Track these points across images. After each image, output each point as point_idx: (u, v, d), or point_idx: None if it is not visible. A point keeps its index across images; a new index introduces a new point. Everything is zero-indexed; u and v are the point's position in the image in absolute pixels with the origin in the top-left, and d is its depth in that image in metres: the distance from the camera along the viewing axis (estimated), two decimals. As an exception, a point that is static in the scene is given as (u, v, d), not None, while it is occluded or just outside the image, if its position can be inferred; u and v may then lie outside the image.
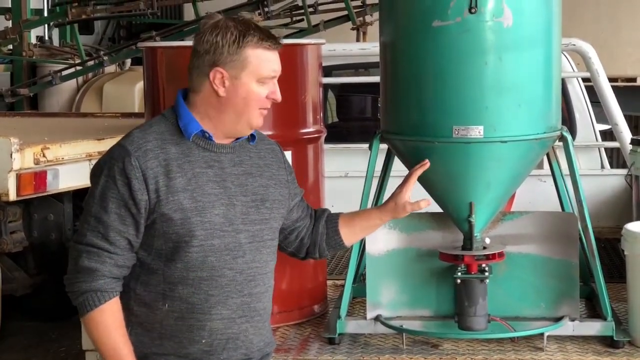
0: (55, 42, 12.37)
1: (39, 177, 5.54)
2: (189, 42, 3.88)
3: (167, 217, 2.69)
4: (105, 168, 2.68)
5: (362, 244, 3.73)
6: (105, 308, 2.67)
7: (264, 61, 2.76)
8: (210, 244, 2.71)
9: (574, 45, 5.47)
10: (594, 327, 3.58)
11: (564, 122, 5.66)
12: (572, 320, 3.57)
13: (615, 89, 11.85)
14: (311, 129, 4.03)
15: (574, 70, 5.75)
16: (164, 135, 2.74)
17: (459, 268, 3.46)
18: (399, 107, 3.53)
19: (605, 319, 3.58)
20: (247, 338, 2.80)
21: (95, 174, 2.71)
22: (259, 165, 2.87)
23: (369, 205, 3.68)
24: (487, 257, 3.43)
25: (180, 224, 2.69)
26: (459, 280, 3.45)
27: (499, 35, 3.34)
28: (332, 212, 3.10)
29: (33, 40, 11.62)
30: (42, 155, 5.54)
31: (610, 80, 12.11)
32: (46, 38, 12.04)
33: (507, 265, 3.59)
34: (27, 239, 6.31)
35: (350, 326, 3.67)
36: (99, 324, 2.67)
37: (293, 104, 3.89)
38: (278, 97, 2.80)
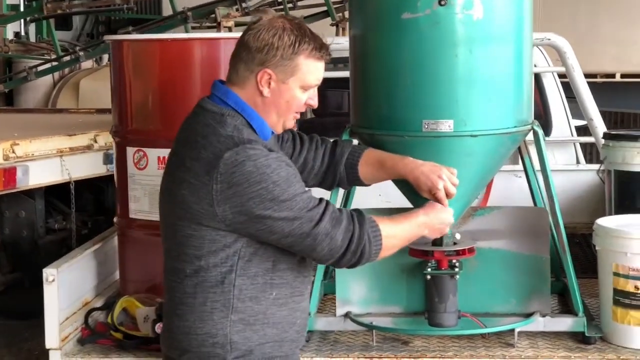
0: (32, 38, 12.28)
1: (9, 174, 5.45)
2: (155, 35, 3.87)
3: None
4: (256, 171, 2.65)
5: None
6: (380, 226, 2.82)
7: (313, 71, 2.80)
8: None
9: (549, 39, 5.42)
10: (565, 323, 3.54)
11: (539, 117, 5.69)
12: (543, 316, 3.54)
13: (594, 85, 11.86)
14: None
15: (549, 65, 5.70)
16: (252, 136, 2.75)
17: (429, 264, 3.42)
18: (368, 100, 3.48)
19: (576, 314, 3.54)
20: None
21: (253, 185, 2.65)
22: (275, 148, 2.89)
23: (338, 202, 3.63)
24: (457, 253, 3.38)
25: None
26: (429, 277, 3.40)
27: (469, 28, 3.30)
28: (355, 145, 3.29)
29: (10, 36, 11.53)
30: (11, 151, 5.45)
31: (589, 76, 12.11)
32: (22, 34, 11.94)
33: (478, 261, 3.55)
34: (-2, 237, 6.26)
35: (319, 323, 3.62)
36: (393, 237, 2.86)
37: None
38: (315, 103, 2.87)
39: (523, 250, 3.55)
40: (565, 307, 3.82)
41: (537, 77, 5.64)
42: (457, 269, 3.38)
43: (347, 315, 3.60)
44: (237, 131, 2.71)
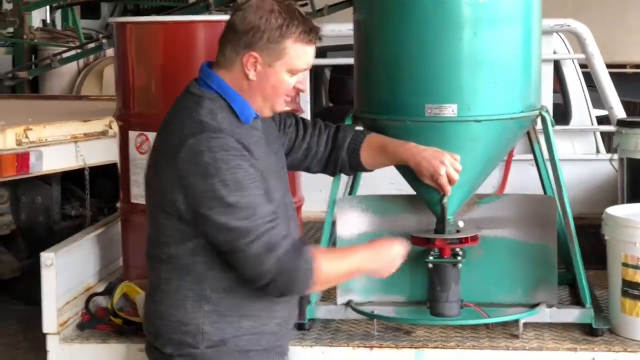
0: (59, 26, 12.29)
1: (22, 159, 5.44)
2: (158, 17, 3.81)
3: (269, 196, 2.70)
4: (218, 163, 2.57)
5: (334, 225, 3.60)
6: (317, 260, 2.64)
7: (301, 55, 2.73)
8: (283, 218, 2.72)
9: (569, 26, 5.32)
10: (572, 314, 3.45)
11: (558, 107, 5.59)
12: (550, 306, 3.44)
13: (623, 76, 11.66)
14: (285, 108, 3.89)
15: (569, 52, 5.58)
16: (230, 120, 2.69)
17: (432, 252, 3.34)
18: (371, 85, 3.41)
19: (584, 306, 3.45)
20: (296, 303, 2.89)
21: (201, 176, 2.57)
22: (264, 130, 2.85)
23: (341, 191, 3.56)
24: (460, 241, 3.30)
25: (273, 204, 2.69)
26: (430, 265, 3.32)
27: (474, 10, 3.21)
28: (358, 130, 3.23)
29: (36, 24, 11.54)
30: (24, 136, 5.44)
31: (618, 66, 11.94)
32: (48, 22, 11.96)
33: (482, 249, 3.46)
34: (15, 222, 6.24)
35: (321, 311, 3.55)
36: (330, 272, 2.70)
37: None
38: (304, 87, 2.79)
39: (529, 239, 3.45)
40: (576, 299, 3.71)
41: (557, 65, 5.53)
42: (459, 258, 3.30)
43: (348, 303, 3.53)
44: (210, 115, 2.65)
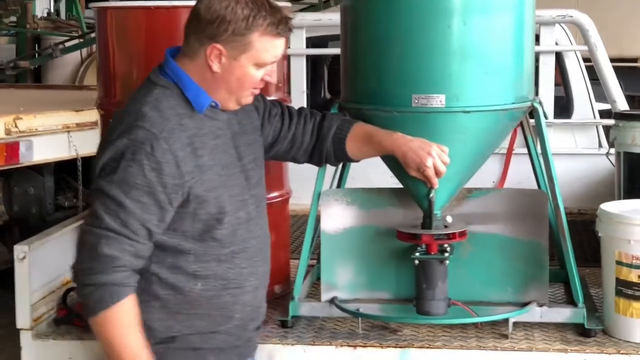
0: (63, 16, 12.19)
1: (11, 148, 5.33)
2: (140, 2, 3.68)
3: (201, 198, 2.55)
4: (127, 152, 2.46)
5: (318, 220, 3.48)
6: (125, 304, 2.47)
7: (269, 48, 2.60)
8: (236, 217, 2.63)
9: (571, 16, 5.18)
10: (563, 314, 3.32)
11: (560, 99, 5.45)
12: (540, 305, 3.31)
13: (635, 70, 11.46)
14: (272, 98, 3.76)
15: (571, 44, 5.44)
16: (176, 109, 2.56)
17: (418, 248, 3.22)
18: (356, 74, 3.28)
19: (576, 305, 3.32)
20: (262, 305, 2.80)
21: (111, 158, 2.47)
22: (239, 122, 2.76)
23: (326, 183, 3.44)
24: (448, 237, 3.17)
25: (214, 203, 2.57)
26: (417, 262, 3.20)
27: (464, -4, 3.09)
28: (345, 119, 3.12)
29: (40, 14, 11.45)
30: (13, 125, 5.33)
31: (630, 60, 11.74)
32: (52, 11, 11.86)
33: (472, 245, 3.34)
34: (8, 213, 6.16)
35: (304, 309, 3.43)
36: (116, 322, 2.47)
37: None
38: (273, 79, 2.67)
39: (520, 235, 3.32)
40: (570, 297, 3.59)
41: (559, 57, 5.39)
42: (447, 254, 3.17)
43: (332, 300, 3.40)
44: (152, 104, 2.53)
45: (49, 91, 8.06)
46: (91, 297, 2.48)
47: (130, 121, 2.53)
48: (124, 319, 2.48)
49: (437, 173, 2.99)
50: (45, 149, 5.59)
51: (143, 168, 2.47)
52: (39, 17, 11.02)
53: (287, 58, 3.94)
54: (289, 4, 4.12)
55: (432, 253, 3.18)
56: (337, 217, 3.39)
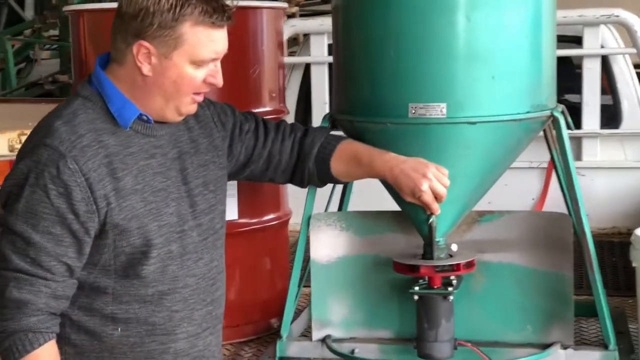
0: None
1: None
2: (113, 4, 3.32)
3: (120, 227, 2.15)
4: (30, 176, 2.09)
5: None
6: (39, 354, 2.10)
7: (204, 42, 2.19)
8: (167, 250, 2.24)
9: (617, 16, 4.70)
10: (592, 358, 2.84)
11: (607, 108, 4.95)
12: (565, 347, 2.84)
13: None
14: (265, 109, 3.38)
15: (619, 46, 4.94)
16: (95, 124, 2.17)
17: (420, 281, 2.78)
18: (348, 80, 2.87)
19: (607, 347, 2.84)
20: (210, 352, 2.37)
21: (15, 184, 2.11)
22: (191, 139, 2.36)
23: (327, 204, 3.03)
24: (451, 268, 2.73)
25: (137, 233, 2.17)
26: (416, 297, 2.76)
27: (468, -11, 2.65)
28: (330, 135, 2.71)
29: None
30: (18, 142, 5.01)
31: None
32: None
33: (484, 277, 2.90)
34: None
35: (293, 349, 3.01)
36: None
37: (237, 80, 3.26)
38: (218, 81, 2.24)
39: (541, 265, 2.86)
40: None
41: (606, 61, 4.90)
42: (451, 289, 2.73)
43: (325, 340, 2.98)
44: (66, 118, 2.16)
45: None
46: (1, 346, 2.11)
47: (38, 138, 2.15)
48: None
49: (437, 197, 2.55)
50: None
51: (49, 194, 2.09)
52: (82, 30, 10.79)
53: (282, 67, 3.54)
54: (285, 5, 3.75)
55: (435, 287, 2.74)
56: (330, 245, 2.97)
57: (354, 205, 3.23)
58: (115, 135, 2.20)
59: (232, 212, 3.26)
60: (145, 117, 2.24)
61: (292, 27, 5.13)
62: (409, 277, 2.82)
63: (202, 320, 2.34)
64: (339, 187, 3.14)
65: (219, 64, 2.22)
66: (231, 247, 3.27)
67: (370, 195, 3.30)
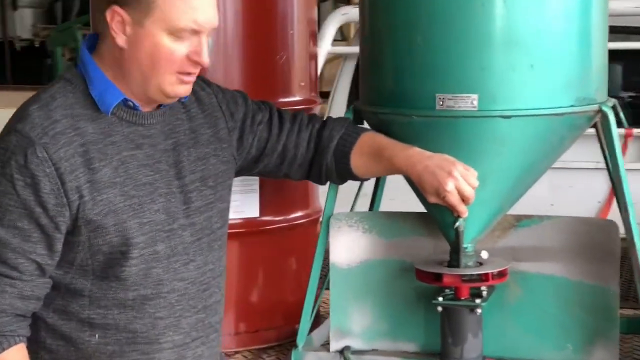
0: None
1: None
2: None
3: (95, 224, 1.96)
4: (6, 155, 1.93)
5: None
6: (4, 358, 1.94)
7: (181, 7, 1.96)
8: (152, 251, 2.05)
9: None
10: (639, 382, 2.55)
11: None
12: (609, 370, 2.55)
13: None
14: (295, 98, 3.14)
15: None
16: (73, 109, 1.98)
17: (446, 291, 2.51)
18: (372, 69, 2.61)
19: (656, 371, 2.54)
20: None
21: None
22: (192, 130, 2.15)
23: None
24: (480, 278, 2.45)
25: (114, 230, 1.97)
26: (440, 308, 2.49)
27: (505, -33, 2.37)
28: (351, 127, 2.47)
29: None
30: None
31: None
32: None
33: (521, 289, 2.61)
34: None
35: (308, 359, 2.77)
36: None
37: (262, 66, 3.03)
38: (203, 60, 2.00)
39: (584, 277, 2.56)
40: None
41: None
42: (479, 301, 2.45)
43: (344, 351, 2.73)
44: (43, 102, 1.97)
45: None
46: None
47: (10, 124, 1.98)
48: None
49: (464, 199, 2.29)
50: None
51: (15, 184, 1.90)
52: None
53: (315, 57, 3.29)
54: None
55: (461, 298, 2.47)
56: (352, 248, 2.71)
57: (386, 205, 2.99)
58: (96, 123, 2.00)
59: (252, 209, 3.03)
60: (131, 103, 2.03)
61: (343, 15, 4.88)
62: (435, 286, 2.55)
63: (190, 328, 2.13)
64: (369, 185, 2.90)
65: (204, 40, 1.99)
66: (252, 246, 3.11)
67: (406, 195, 3.03)
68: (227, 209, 2.26)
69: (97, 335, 2.04)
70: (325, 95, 4.34)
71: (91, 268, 2.01)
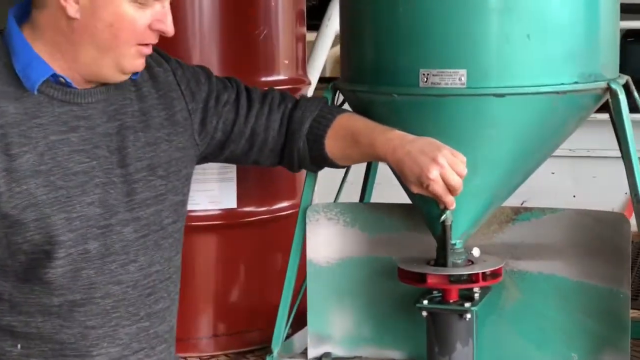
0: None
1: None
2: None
3: (11, 219, 1.73)
4: None
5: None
6: None
7: None
8: (82, 250, 1.82)
9: None
10: (652, 398, 2.25)
11: None
12: (619, 383, 2.25)
13: None
14: (279, 77, 2.87)
15: None
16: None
17: (434, 293, 2.23)
18: (352, 43, 2.33)
19: (673, 385, 2.24)
20: None
21: None
22: (142, 111, 1.91)
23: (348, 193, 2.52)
24: (469, 279, 2.17)
25: (35, 227, 1.74)
26: (424, 313, 2.21)
27: None
28: (326, 107, 2.22)
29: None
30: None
31: None
32: None
33: (520, 291, 2.32)
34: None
35: (284, 367, 2.50)
36: None
37: (242, 41, 2.76)
38: (167, 28, 1.80)
39: (591, 278, 2.27)
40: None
41: None
42: (469, 305, 2.16)
43: (322, 358, 2.46)
44: None
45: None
46: None
47: None
48: None
49: (450, 189, 2.00)
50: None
51: None
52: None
53: (302, 37, 3.02)
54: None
55: (449, 302, 2.18)
56: (331, 243, 2.43)
57: (379, 196, 2.70)
58: (19, 102, 1.76)
59: (229, 200, 2.76)
60: (62, 79, 1.77)
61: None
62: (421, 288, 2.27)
63: (130, 339, 1.88)
64: (359, 173, 2.63)
65: (167, 5, 1.78)
66: (231, 240, 2.84)
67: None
68: (182, 202, 2.00)
69: (19, 346, 1.82)
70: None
71: (12, 269, 1.78)
